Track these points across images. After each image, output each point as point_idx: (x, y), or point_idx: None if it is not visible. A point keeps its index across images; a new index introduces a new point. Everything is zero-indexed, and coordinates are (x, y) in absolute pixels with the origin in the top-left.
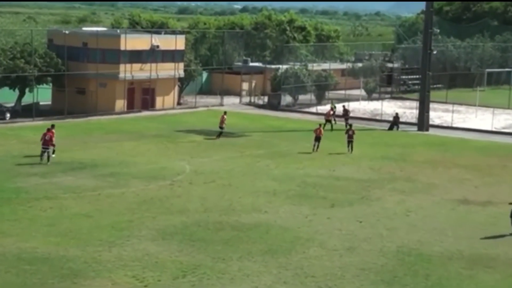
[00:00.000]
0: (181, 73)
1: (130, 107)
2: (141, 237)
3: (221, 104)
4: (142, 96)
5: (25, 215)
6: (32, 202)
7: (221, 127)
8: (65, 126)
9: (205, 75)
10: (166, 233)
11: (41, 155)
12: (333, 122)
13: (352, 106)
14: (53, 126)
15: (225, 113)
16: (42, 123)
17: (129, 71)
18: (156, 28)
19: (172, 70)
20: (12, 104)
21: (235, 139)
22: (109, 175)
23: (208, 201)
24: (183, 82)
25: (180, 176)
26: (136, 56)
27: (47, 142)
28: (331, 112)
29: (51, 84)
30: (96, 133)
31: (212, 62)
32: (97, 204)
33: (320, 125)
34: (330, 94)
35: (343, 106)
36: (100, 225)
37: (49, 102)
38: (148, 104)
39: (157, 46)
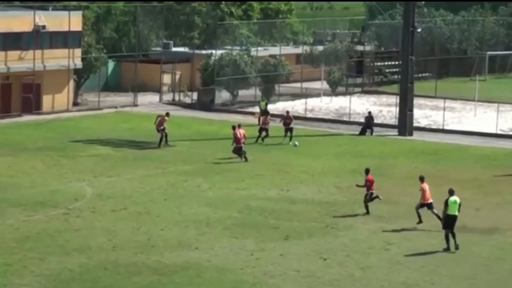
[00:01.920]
0: (78, 63)
1: (6, 110)
2: (24, 286)
3: (135, 104)
4: (23, 95)
5: None
6: None
7: (158, 130)
8: None
9: (111, 65)
10: (60, 280)
11: None
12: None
13: (311, 104)
14: None
15: (166, 114)
16: None
17: (3, 61)
18: (42, 2)
19: (65, 58)
20: None
21: (153, 151)
22: None
23: (118, 236)
24: (81, 75)
25: (78, 202)
26: (13, 41)
27: None
28: (267, 118)
29: None
30: None
31: (121, 48)
32: None
33: (239, 125)
34: (282, 88)
35: (287, 113)
36: None
37: None
38: (32, 105)
39: (43, 27)
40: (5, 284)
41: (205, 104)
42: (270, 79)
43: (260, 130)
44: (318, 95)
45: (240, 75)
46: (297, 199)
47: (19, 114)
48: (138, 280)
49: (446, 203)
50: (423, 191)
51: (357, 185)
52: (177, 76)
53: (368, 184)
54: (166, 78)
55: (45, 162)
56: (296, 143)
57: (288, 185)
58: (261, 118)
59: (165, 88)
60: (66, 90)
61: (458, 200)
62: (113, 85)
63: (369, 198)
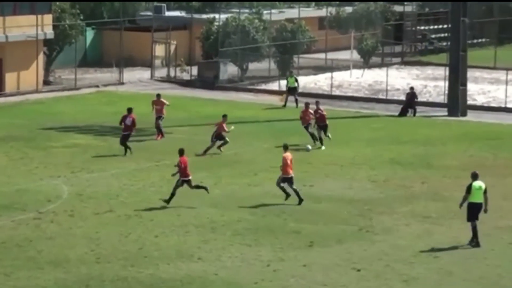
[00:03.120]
0: (49, 32)
1: None
2: None
3: (120, 82)
4: None
5: None
6: None
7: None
8: None
9: (90, 34)
10: None
11: None
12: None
13: (338, 78)
14: None
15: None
16: None
17: None
18: None
19: (32, 27)
20: None
21: (145, 139)
22: None
23: (103, 245)
24: (53, 48)
25: (52, 204)
26: None
27: None
28: (308, 112)
29: None
30: None
31: (101, 13)
32: None
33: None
34: (302, 59)
35: (318, 110)
36: None
37: None
38: None
39: None
40: None
41: (208, 81)
42: (287, 49)
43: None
44: (347, 67)
45: (250, 44)
46: (322, 197)
47: None
48: None
49: (469, 189)
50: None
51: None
52: (172, 47)
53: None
54: (159, 50)
55: (10, 155)
56: (309, 147)
57: (312, 179)
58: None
59: (157, 62)
60: (34, 66)
61: (483, 186)
62: (93, 59)
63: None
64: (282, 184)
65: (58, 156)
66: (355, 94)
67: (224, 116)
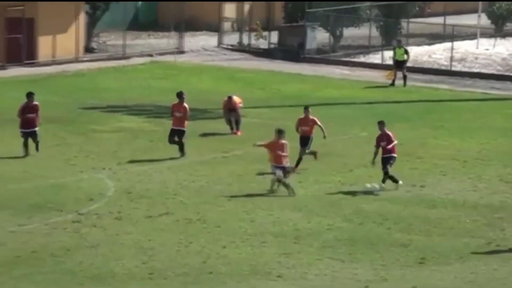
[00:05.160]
0: None
1: None
2: None
3: (180, 50)
4: (8, 36)
5: None
6: None
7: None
8: None
9: None
10: None
11: None
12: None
13: (460, 50)
14: None
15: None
16: None
17: None
18: None
19: None
20: None
21: (210, 123)
22: None
23: (158, 256)
24: (97, 6)
25: (95, 203)
26: None
27: None
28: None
29: None
30: None
31: None
32: None
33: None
34: (412, 25)
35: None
36: None
37: None
38: (22, 52)
39: None
40: None
41: (291, 51)
42: (393, 11)
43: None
44: (472, 36)
45: (346, 5)
46: (438, 201)
47: (3, 66)
48: None
49: None
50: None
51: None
52: (246, 7)
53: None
54: (229, 11)
55: (43, 142)
56: (375, 186)
57: (424, 178)
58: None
59: (227, 26)
60: (73, 29)
61: None
62: (146, 21)
63: None
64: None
65: (102, 143)
66: (483, 70)
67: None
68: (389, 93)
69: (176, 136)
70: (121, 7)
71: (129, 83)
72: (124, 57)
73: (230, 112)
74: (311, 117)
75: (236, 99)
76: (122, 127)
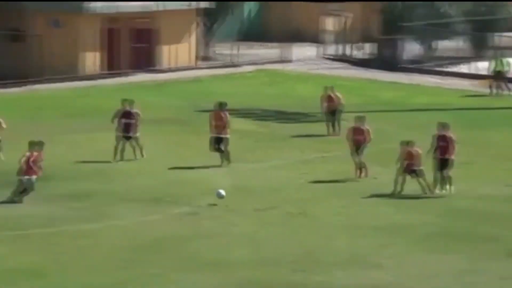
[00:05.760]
0: (210, 1)
1: (112, 66)
2: None
3: (286, 59)
4: (133, 45)
5: None
6: None
7: None
8: None
9: (253, 5)
10: None
11: None
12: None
13: None
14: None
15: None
16: None
17: None
18: None
19: None
20: None
21: (312, 126)
22: (75, 195)
23: (266, 246)
24: (212, 19)
25: (210, 197)
26: None
27: None
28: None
29: None
30: (48, 115)
31: None
32: (55, 252)
33: None
34: (505, 38)
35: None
36: None
37: None
38: (145, 60)
39: None
40: None
41: (387, 61)
42: (484, 25)
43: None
44: None
45: (439, 19)
46: None
47: (129, 72)
48: None
49: None
50: None
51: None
52: (345, 21)
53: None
54: (329, 23)
55: (165, 141)
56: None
57: None
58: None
59: (328, 37)
60: (192, 39)
61: None
62: (255, 33)
63: None
64: None
65: None
66: None
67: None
68: (486, 101)
69: (221, 144)
70: (234, 20)
71: (239, 89)
72: (236, 65)
73: (331, 113)
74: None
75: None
76: (233, 129)
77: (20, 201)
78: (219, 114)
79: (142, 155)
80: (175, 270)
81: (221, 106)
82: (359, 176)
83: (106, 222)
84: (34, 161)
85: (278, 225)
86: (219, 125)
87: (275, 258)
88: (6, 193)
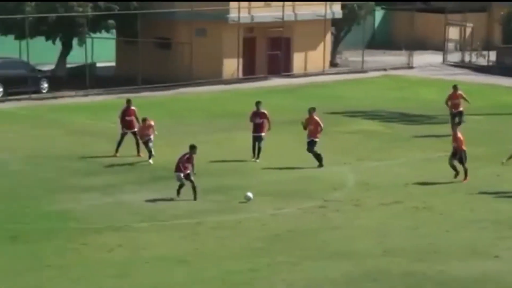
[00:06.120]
0: (338, 12)
1: (249, 71)
2: None
3: (410, 66)
4: (269, 52)
5: (77, 259)
6: (87, 236)
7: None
8: (139, 104)
9: (379, 14)
10: None
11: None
12: None
13: None
14: (129, 101)
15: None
16: (101, 99)
17: (246, 9)
18: None
19: (321, 6)
20: (51, 67)
21: (434, 127)
22: (215, 190)
23: (390, 237)
24: (341, 28)
25: (337, 192)
26: None
27: (131, 125)
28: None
29: (114, 31)
30: (192, 116)
31: None
32: (196, 241)
33: None
34: None
35: None
36: (202, 278)
37: (112, 63)
38: (280, 65)
39: None
40: None
41: (507, 67)
42: None
43: None
44: None
45: None
46: None
47: (264, 77)
48: None
49: None
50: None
51: None
52: (468, 30)
53: None
54: (453, 33)
55: (295, 140)
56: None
57: None
58: None
59: (450, 46)
60: (321, 46)
61: None
62: (381, 41)
63: None
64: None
65: (343, 142)
66: None
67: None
68: None
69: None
70: (360, 29)
71: (365, 93)
72: (362, 71)
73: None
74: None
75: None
76: (360, 130)
77: (178, 194)
78: (312, 117)
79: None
80: (305, 258)
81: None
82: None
83: (243, 215)
84: (187, 161)
85: (402, 219)
86: (311, 129)
87: (397, 248)
88: (156, 186)
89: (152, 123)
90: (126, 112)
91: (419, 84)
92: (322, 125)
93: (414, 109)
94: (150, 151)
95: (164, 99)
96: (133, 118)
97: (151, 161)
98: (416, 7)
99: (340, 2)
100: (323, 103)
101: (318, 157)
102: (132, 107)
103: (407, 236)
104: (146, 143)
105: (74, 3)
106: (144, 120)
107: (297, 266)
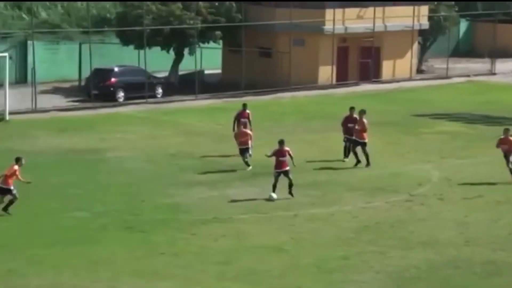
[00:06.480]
0: (424, 23)
1: (342, 78)
2: (363, 283)
3: (492, 72)
4: (361, 60)
5: (187, 247)
6: (196, 226)
7: None
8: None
9: (464, 25)
10: (404, 278)
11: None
12: None
13: None
14: (245, 105)
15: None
16: (209, 103)
17: (340, 20)
18: None
19: (409, 18)
20: (165, 74)
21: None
22: (310, 185)
23: (472, 228)
24: (427, 38)
25: (422, 187)
26: None
27: (245, 126)
28: None
29: (221, 42)
30: (289, 118)
31: (475, 5)
32: (293, 232)
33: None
34: None
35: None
36: (299, 264)
37: (219, 71)
38: (370, 72)
39: None
40: (342, 280)
41: None
42: None
43: None
44: None
45: None
46: None
47: (356, 83)
48: (497, 281)
49: None
50: None
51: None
52: None
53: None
54: None
55: (384, 140)
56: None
57: None
58: None
59: None
60: (409, 55)
61: None
62: (464, 50)
63: None
64: None
65: (428, 142)
66: None
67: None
68: None
69: (359, 146)
70: (445, 38)
71: (450, 97)
72: (447, 77)
73: None
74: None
75: None
76: (444, 130)
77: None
78: (360, 119)
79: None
80: (392, 247)
81: (361, 112)
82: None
83: (335, 208)
84: (280, 154)
85: (484, 211)
86: (357, 130)
87: (479, 238)
88: (256, 182)
89: (251, 132)
90: (241, 115)
91: (501, 89)
92: (366, 127)
93: (497, 111)
94: (246, 162)
95: (265, 103)
96: (247, 120)
97: (248, 168)
98: (498, 19)
99: (426, 15)
100: (410, 106)
101: (357, 156)
102: (247, 110)
103: (488, 227)
104: (242, 152)
105: (186, 16)
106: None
107: (385, 255)
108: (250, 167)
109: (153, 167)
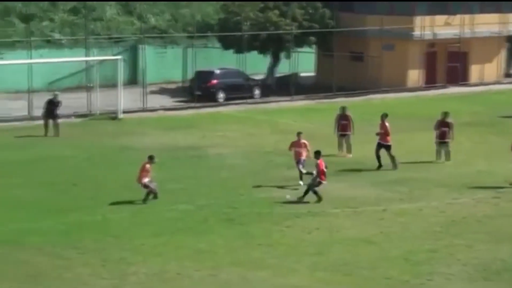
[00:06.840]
0: (511, 30)
1: (430, 81)
2: (450, 275)
3: None
4: (448, 64)
5: (282, 239)
6: (290, 219)
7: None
8: (334, 107)
9: None
10: (490, 271)
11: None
12: None
13: None
14: (344, 108)
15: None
16: (303, 104)
17: (429, 27)
18: None
19: (495, 24)
20: (262, 77)
21: None
22: (397, 182)
23: None
24: None
25: (510, 185)
26: (439, 5)
27: (344, 128)
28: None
29: (315, 46)
30: (379, 119)
31: None
32: (382, 225)
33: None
34: None
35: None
36: (388, 256)
37: (312, 73)
38: (458, 76)
39: None
40: (430, 272)
41: None
42: None
43: None
44: None
45: None
46: None
47: (444, 85)
48: None
49: None
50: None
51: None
52: None
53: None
54: None
55: (472, 139)
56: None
57: None
58: None
59: None
60: (496, 59)
61: None
62: None
63: None
64: None
65: None
66: None
67: None
68: None
69: (385, 149)
70: None
71: None
72: None
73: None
74: None
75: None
76: None
77: None
78: (383, 123)
79: (449, 159)
80: (478, 241)
81: (383, 116)
82: None
83: (423, 203)
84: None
85: None
86: (381, 133)
87: None
88: (348, 178)
89: (307, 142)
90: (342, 117)
91: None
92: (388, 130)
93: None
94: (300, 172)
95: (356, 104)
96: (347, 123)
97: (301, 182)
98: None
99: None
100: (498, 108)
101: (379, 160)
102: (347, 113)
103: None
104: (297, 163)
105: (282, 23)
106: (298, 134)
107: (471, 248)
108: (301, 182)
109: (251, 163)
